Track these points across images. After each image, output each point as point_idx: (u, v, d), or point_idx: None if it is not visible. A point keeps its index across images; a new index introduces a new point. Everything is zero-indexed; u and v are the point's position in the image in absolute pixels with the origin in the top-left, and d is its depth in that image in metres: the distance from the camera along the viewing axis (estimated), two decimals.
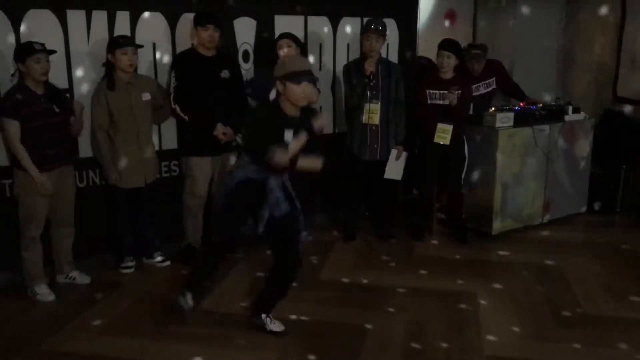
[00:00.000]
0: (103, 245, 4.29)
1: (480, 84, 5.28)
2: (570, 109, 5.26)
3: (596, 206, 5.64)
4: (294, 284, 3.50)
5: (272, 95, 3.32)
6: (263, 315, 3.45)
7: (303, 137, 3.13)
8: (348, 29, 5.15)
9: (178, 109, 4.18)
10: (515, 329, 3.52)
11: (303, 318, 3.61)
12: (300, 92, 3.12)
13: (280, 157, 3.01)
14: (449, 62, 4.62)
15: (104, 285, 4.05)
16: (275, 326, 3.44)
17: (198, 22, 4.15)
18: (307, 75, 3.14)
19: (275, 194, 3.23)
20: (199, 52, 4.21)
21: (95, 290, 3.99)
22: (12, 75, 3.71)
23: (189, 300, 3.35)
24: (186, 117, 4.20)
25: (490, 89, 5.35)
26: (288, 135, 3.16)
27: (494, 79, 5.34)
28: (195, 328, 3.49)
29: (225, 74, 4.26)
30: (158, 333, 3.45)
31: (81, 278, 4.08)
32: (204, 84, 4.17)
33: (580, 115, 5.35)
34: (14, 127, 3.58)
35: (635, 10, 5.81)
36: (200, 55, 4.21)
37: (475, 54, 5.15)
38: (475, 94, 5.09)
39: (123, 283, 4.11)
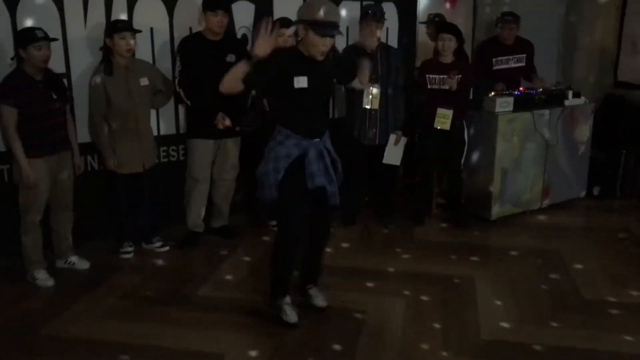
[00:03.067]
0: (102, 230, 4.29)
1: (512, 57, 5.40)
2: (570, 93, 5.24)
3: (595, 191, 5.64)
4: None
5: (290, 31, 3.15)
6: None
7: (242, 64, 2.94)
8: (347, 13, 5.11)
9: (182, 93, 4.17)
10: (514, 313, 3.53)
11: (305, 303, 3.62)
12: (321, 44, 2.95)
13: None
14: (450, 45, 4.59)
15: (103, 270, 4.06)
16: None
17: (207, 7, 4.11)
18: (334, 30, 2.94)
19: (312, 166, 3.11)
20: (206, 37, 4.18)
21: (95, 275, 4.00)
22: (12, 59, 3.69)
23: (285, 307, 3.34)
24: (189, 102, 4.18)
25: (520, 64, 5.46)
26: (299, 81, 3.01)
27: (525, 55, 5.44)
28: (194, 313, 3.51)
29: (231, 58, 4.21)
30: (158, 317, 3.46)
31: (80, 263, 4.09)
32: (209, 68, 4.14)
33: (581, 100, 5.33)
34: (11, 114, 3.57)
35: (632, 4, 5.78)
36: (207, 40, 4.18)
37: (507, 20, 5.30)
38: (505, 66, 5.29)
39: (122, 268, 4.12)
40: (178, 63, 4.15)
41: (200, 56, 4.12)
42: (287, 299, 3.39)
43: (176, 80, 4.17)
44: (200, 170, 4.36)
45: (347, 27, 5.12)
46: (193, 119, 4.34)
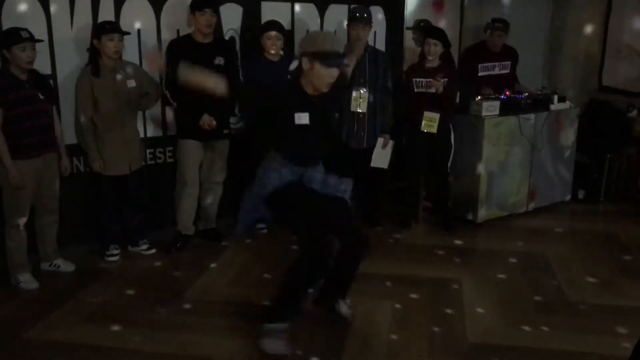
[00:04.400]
0: (88, 233, 4.26)
1: (497, 63, 5.45)
2: (555, 98, 5.29)
3: (580, 195, 5.70)
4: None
5: (293, 66, 3.09)
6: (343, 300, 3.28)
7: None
8: (335, 16, 5.12)
9: (168, 95, 4.17)
10: (500, 316, 3.55)
11: None
12: (328, 76, 2.88)
13: (183, 73, 2.78)
14: (436, 50, 4.62)
15: (88, 273, 4.02)
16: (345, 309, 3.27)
17: (195, 7, 4.10)
18: (339, 59, 2.89)
19: (315, 178, 3.06)
20: (195, 39, 4.17)
21: (80, 278, 3.96)
22: None
23: (276, 337, 3.03)
24: (175, 104, 4.17)
25: (504, 71, 5.51)
26: (301, 117, 2.95)
27: (509, 62, 5.49)
28: (180, 316, 3.49)
29: (219, 60, 4.21)
30: (143, 321, 3.44)
31: (66, 266, 4.05)
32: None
33: (566, 105, 5.38)
34: None
35: (620, 3, 5.84)
36: (196, 42, 4.17)
37: (498, 27, 5.36)
38: (489, 73, 5.32)
39: (108, 271, 4.09)
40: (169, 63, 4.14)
41: (188, 59, 4.09)
42: (284, 327, 3.08)
43: (163, 82, 4.15)
44: (190, 171, 4.34)
45: (335, 31, 5.13)
46: (181, 120, 4.33)
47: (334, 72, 2.89)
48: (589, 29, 6.11)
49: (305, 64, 2.91)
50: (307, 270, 2.96)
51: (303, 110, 2.99)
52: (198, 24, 4.12)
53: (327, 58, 2.85)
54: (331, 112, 3.06)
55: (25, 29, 3.56)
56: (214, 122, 4.19)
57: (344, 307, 3.37)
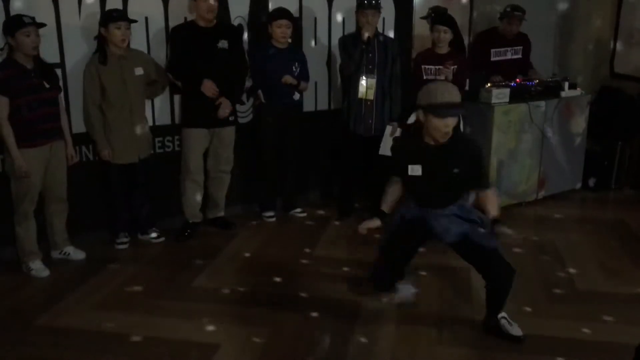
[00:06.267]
0: (98, 221, 4.28)
1: (509, 49, 5.44)
2: (566, 84, 5.23)
3: (591, 183, 5.65)
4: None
5: (412, 119, 3.26)
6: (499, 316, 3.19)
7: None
8: (344, 3, 5.08)
9: (171, 77, 4.18)
10: (509, 304, 3.52)
11: (301, 294, 3.63)
12: (443, 126, 2.99)
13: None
14: (445, 37, 4.58)
15: (98, 260, 4.05)
16: (514, 329, 3.15)
17: None
18: (452, 109, 3.00)
19: (439, 223, 3.21)
20: (198, 24, 4.16)
21: (90, 266, 3.99)
22: (1, 49, 3.66)
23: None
24: (179, 83, 4.17)
25: (516, 56, 5.49)
26: (413, 169, 3.14)
27: (521, 47, 5.49)
28: (189, 303, 3.51)
29: (223, 44, 4.20)
30: (153, 308, 3.46)
31: (76, 253, 4.08)
32: (200, 54, 4.12)
33: (577, 92, 5.32)
34: (2, 103, 3.54)
35: None
36: (199, 27, 4.16)
37: (516, 15, 5.33)
38: (502, 58, 5.32)
39: (117, 259, 4.11)
40: (168, 51, 4.14)
41: (191, 43, 4.11)
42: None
43: (165, 65, 4.18)
44: (194, 159, 4.34)
45: (343, 18, 5.10)
46: (186, 107, 4.33)
47: (448, 122, 3.01)
48: (600, 14, 6.03)
49: (421, 116, 3.06)
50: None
51: (416, 162, 3.18)
52: (199, 9, 4.11)
53: (439, 109, 2.98)
54: (453, 168, 3.15)
55: (28, 16, 3.56)
56: (216, 89, 4.16)
57: (509, 327, 3.16)
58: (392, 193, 3.35)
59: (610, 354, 3.05)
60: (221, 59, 4.20)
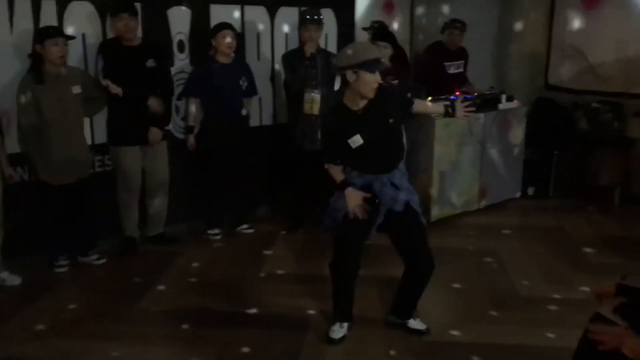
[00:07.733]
0: (35, 244, 4.11)
1: (454, 63, 5.64)
2: (504, 97, 5.40)
3: (530, 191, 5.84)
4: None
5: (337, 85, 3.19)
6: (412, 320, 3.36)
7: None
8: (286, 19, 5.10)
9: (109, 83, 4.04)
10: (455, 312, 3.59)
11: (250, 311, 3.59)
12: (374, 81, 3.05)
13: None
14: (386, 53, 4.65)
15: (36, 285, 3.89)
16: (418, 324, 3.36)
17: (111, 13, 4.06)
18: (380, 64, 3.10)
19: (386, 191, 3.16)
20: (122, 43, 4.11)
21: (28, 292, 3.83)
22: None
23: (343, 330, 3.28)
24: (120, 90, 4.05)
25: (458, 70, 5.70)
26: (355, 141, 3.11)
27: (463, 62, 5.70)
28: (133, 327, 3.42)
29: (151, 63, 4.18)
30: (96, 333, 3.35)
31: (11, 279, 3.90)
32: (129, 73, 4.07)
33: (514, 104, 5.51)
34: None
35: (561, 3, 6.02)
36: (123, 46, 4.11)
37: (457, 27, 5.54)
38: (450, 72, 5.59)
39: (57, 283, 3.97)
40: (101, 62, 4.09)
41: (120, 61, 4.05)
42: (345, 327, 3.32)
43: (101, 76, 4.08)
44: (132, 179, 4.28)
45: (286, 34, 5.12)
46: (114, 126, 4.25)
47: (377, 76, 3.07)
48: (534, 29, 6.26)
49: (350, 76, 3.03)
50: (339, 279, 3.28)
51: (354, 133, 3.12)
52: (116, 29, 4.07)
53: (370, 65, 3.02)
54: (387, 120, 3.17)
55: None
56: (157, 104, 4.20)
57: (414, 323, 3.38)
58: (337, 171, 3.27)
59: None
60: (150, 79, 4.19)
